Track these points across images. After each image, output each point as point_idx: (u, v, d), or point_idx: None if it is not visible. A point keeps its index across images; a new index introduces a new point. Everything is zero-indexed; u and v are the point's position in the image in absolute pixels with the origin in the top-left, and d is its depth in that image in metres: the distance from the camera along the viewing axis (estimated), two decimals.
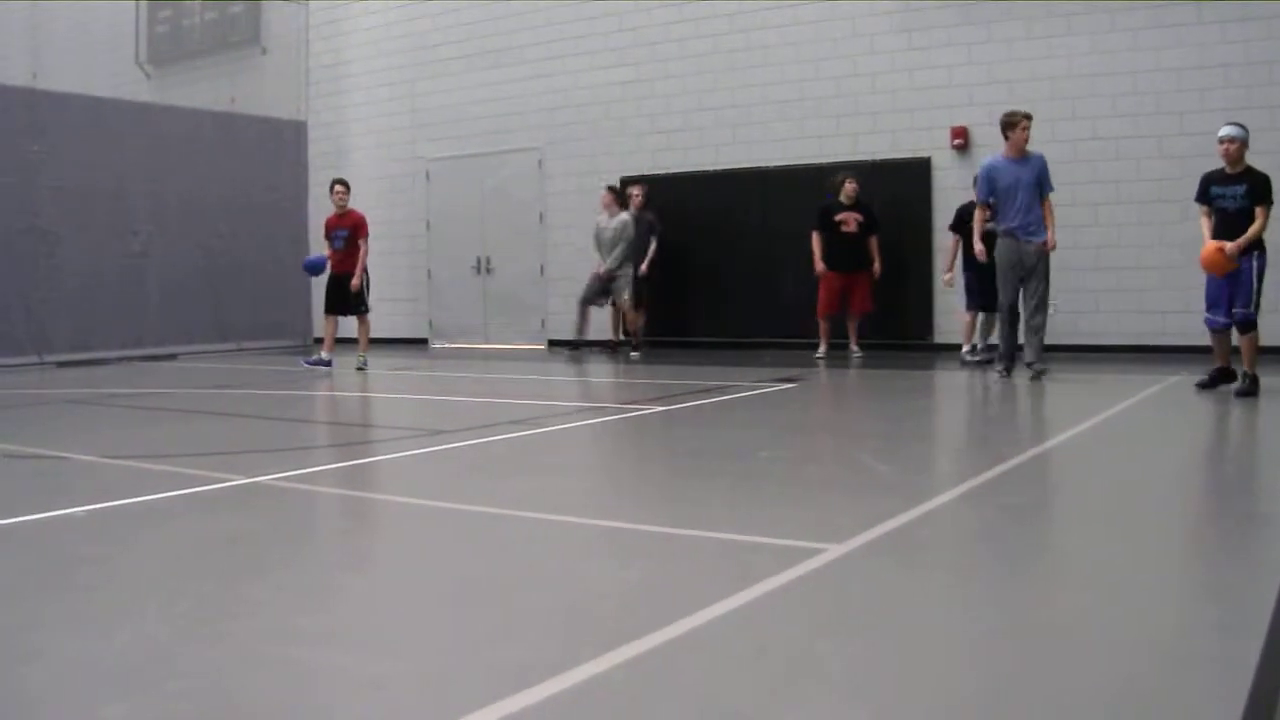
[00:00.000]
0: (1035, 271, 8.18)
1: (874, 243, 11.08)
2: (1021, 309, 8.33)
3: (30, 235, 11.66)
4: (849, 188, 11.04)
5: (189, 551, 3.38)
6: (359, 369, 10.26)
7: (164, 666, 2.26)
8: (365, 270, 10.37)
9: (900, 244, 11.43)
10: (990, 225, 8.50)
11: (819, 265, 11.06)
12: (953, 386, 8.76)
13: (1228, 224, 7.00)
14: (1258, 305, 7.03)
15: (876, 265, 11.06)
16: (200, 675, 2.22)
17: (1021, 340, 8.40)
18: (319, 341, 11.61)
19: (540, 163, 13.86)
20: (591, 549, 3.38)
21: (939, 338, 11.47)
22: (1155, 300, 10.32)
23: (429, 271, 14.95)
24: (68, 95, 12.15)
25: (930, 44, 11.44)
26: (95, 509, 3.91)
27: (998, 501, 4.10)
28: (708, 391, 7.87)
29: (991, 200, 8.34)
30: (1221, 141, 7.09)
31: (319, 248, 11.44)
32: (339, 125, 15.59)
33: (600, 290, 11.94)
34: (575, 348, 11.92)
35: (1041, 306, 8.23)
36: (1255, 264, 6.97)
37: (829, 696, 2.08)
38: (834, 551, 3.10)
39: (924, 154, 11.52)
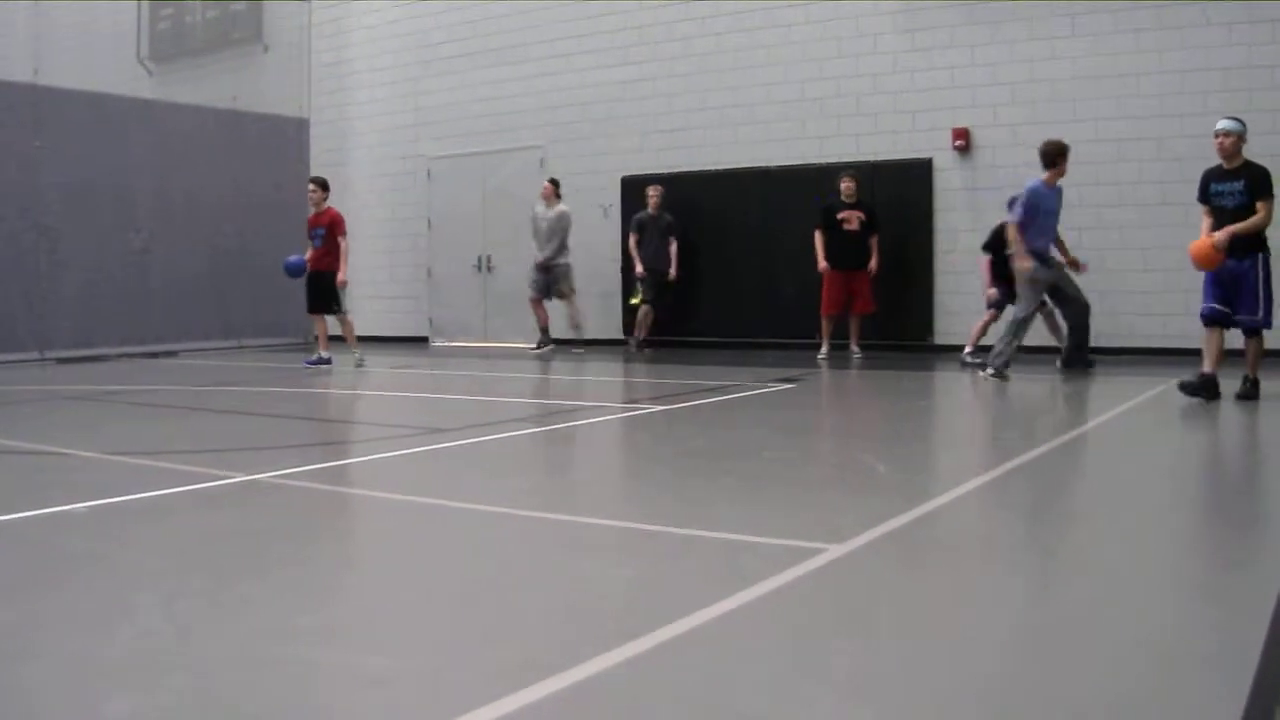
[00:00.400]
0: (1068, 282, 8.77)
1: (874, 241, 11.10)
2: (1062, 320, 9.10)
3: (32, 232, 11.65)
4: (846, 186, 11.07)
5: (190, 548, 3.38)
6: (357, 366, 10.27)
7: (164, 663, 2.26)
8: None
9: (901, 245, 11.43)
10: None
11: (821, 263, 11.08)
12: (953, 388, 8.76)
13: (1226, 223, 6.73)
14: (1269, 310, 6.72)
15: (873, 263, 11.07)
16: (200, 672, 2.22)
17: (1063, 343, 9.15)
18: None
19: (542, 161, 13.86)
20: (592, 548, 3.38)
21: (939, 339, 11.47)
22: (1158, 302, 10.31)
23: (430, 270, 14.96)
24: (70, 91, 12.14)
25: (933, 45, 11.44)
26: (96, 505, 3.91)
27: (999, 502, 4.10)
28: (709, 391, 7.87)
29: (1022, 221, 8.43)
30: (1217, 135, 6.89)
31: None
32: (341, 123, 15.60)
33: (546, 283, 12.30)
34: (548, 343, 12.25)
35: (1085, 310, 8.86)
36: (1260, 269, 6.69)
37: (830, 697, 2.08)
38: (834, 551, 3.10)
39: (925, 155, 11.51)
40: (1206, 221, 6.98)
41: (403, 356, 12.45)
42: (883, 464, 4.97)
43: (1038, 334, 10.22)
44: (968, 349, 10.07)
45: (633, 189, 13.06)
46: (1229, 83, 9.93)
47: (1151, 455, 5.36)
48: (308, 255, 10.58)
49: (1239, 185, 6.78)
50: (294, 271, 10.67)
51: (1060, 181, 8.56)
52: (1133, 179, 10.42)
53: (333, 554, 3.52)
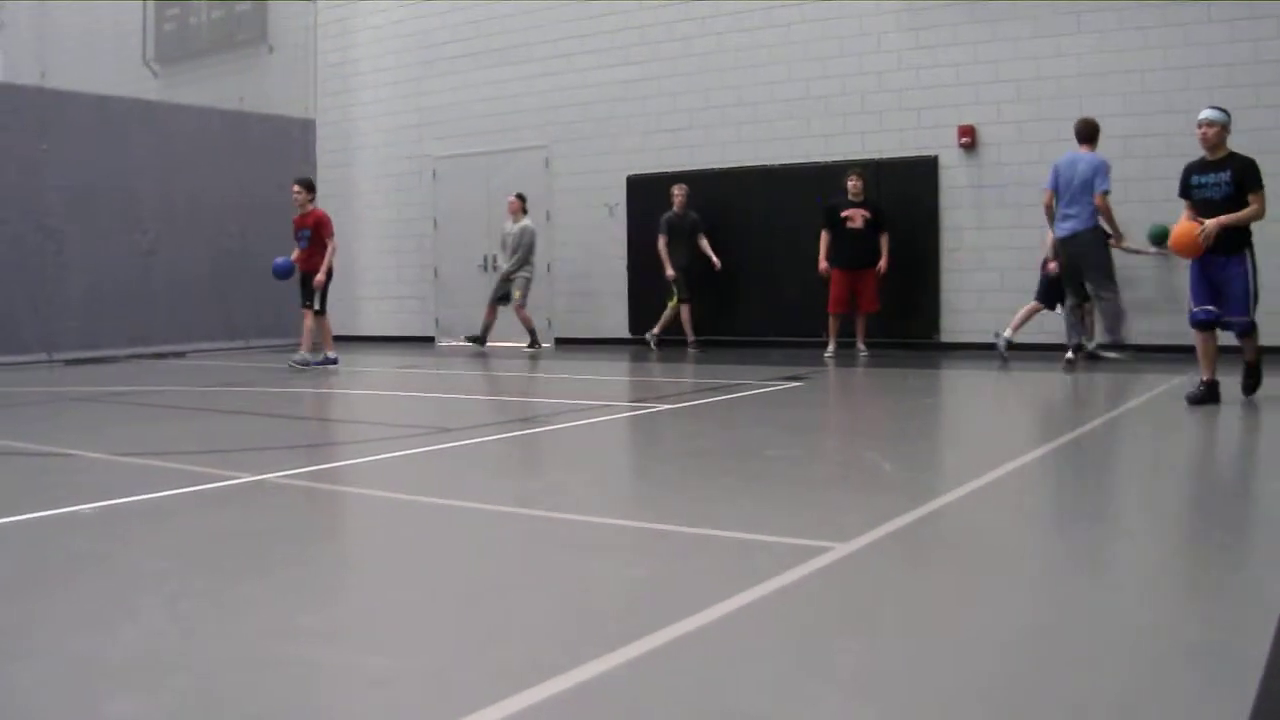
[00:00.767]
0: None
1: (884, 240, 11.07)
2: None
3: (38, 234, 11.67)
4: (853, 184, 11.05)
5: (193, 549, 3.38)
6: (292, 366, 10.23)
7: (167, 664, 2.26)
8: (330, 270, 10.35)
9: (907, 243, 11.40)
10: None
11: (822, 264, 11.06)
12: (960, 385, 8.74)
13: (1213, 214, 6.41)
14: (1255, 306, 6.51)
15: (883, 262, 11.04)
16: (203, 673, 2.22)
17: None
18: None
19: (547, 161, 13.86)
20: (597, 547, 3.37)
21: (945, 337, 11.45)
22: (1164, 299, 10.28)
23: (435, 270, 14.97)
24: (75, 94, 12.17)
25: (937, 42, 11.42)
26: (102, 506, 3.92)
27: (1004, 500, 4.08)
28: (715, 390, 7.86)
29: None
30: (1200, 125, 6.59)
31: None
32: (346, 124, 15.62)
33: (506, 291, 12.77)
34: (482, 342, 12.80)
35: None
36: (1246, 268, 6.43)
37: (835, 696, 2.07)
38: (840, 550, 3.09)
39: (931, 153, 11.49)
40: (1188, 214, 6.66)
41: (409, 356, 12.46)
42: (888, 462, 4.96)
43: (1045, 330, 10.22)
44: (1008, 333, 9.96)
45: (639, 188, 13.05)
46: (1234, 78, 9.91)
47: (1156, 453, 5.34)
48: (294, 256, 10.56)
49: (1225, 176, 6.50)
50: (281, 273, 10.68)
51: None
52: (1139, 175, 10.38)
53: (336, 554, 3.52)
